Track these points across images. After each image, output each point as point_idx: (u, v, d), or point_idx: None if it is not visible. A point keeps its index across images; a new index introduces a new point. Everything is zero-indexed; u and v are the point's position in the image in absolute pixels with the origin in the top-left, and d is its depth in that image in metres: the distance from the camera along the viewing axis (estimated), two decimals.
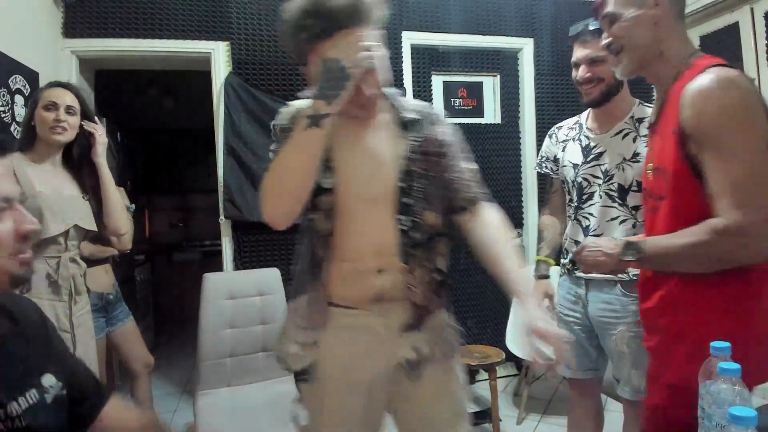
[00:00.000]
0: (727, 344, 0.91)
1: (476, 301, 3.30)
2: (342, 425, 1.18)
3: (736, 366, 0.86)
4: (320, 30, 1.03)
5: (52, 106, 1.70)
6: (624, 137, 1.57)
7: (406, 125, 1.16)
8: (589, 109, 1.68)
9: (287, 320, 1.23)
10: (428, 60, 3.26)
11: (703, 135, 1.02)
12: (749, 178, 0.98)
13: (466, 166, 1.21)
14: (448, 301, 1.23)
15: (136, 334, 2.32)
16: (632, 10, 1.14)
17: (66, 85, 1.80)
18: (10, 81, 2.12)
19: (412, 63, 3.20)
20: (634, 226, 1.54)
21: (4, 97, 2.06)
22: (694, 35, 3.19)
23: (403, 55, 3.15)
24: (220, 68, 2.87)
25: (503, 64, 3.41)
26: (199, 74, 3.08)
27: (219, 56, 2.87)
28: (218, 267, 2.86)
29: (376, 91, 1.10)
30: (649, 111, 1.55)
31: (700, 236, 1.02)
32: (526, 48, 3.39)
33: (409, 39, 3.17)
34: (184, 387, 3.43)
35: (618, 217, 1.56)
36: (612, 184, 1.57)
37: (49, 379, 0.88)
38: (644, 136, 1.51)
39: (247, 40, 2.88)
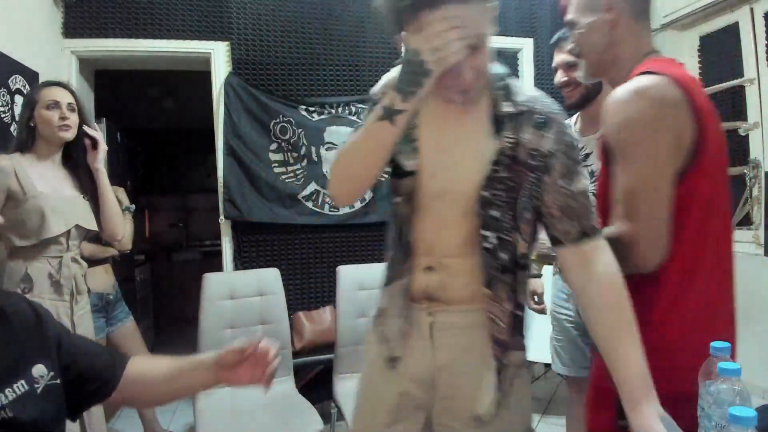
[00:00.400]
0: (726, 344, 0.91)
1: None
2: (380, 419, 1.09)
3: (736, 366, 0.86)
4: (409, 5, 0.84)
5: (55, 105, 1.71)
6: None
7: (502, 121, 0.96)
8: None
9: (376, 309, 1.15)
10: None
11: (611, 145, 1.05)
12: (636, 190, 1.00)
13: (568, 187, 0.95)
14: (523, 344, 1.06)
15: (135, 335, 2.32)
16: (587, 16, 1.14)
17: (61, 84, 1.81)
18: (10, 81, 2.11)
19: None
20: None
21: (4, 97, 2.06)
22: (694, 35, 3.19)
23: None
24: (220, 68, 2.87)
25: (503, 63, 3.39)
26: (199, 74, 3.08)
27: (219, 56, 2.86)
28: (218, 267, 2.87)
29: (475, 76, 0.92)
30: None
31: None
32: (525, 48, 3.39)
33: None
34: None
35: None
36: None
37: (39, 370, 0.88)
38: None
39: (247, 40, 2.88)
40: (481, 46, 0.89)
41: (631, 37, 1.13)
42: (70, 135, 1.74)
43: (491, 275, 0.98)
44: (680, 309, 1.03)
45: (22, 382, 0.85)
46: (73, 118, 1.75)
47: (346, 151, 0.99)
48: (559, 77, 1.67)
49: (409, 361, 1.07)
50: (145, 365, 1.04)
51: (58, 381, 0.91)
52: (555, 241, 0.98)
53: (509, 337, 1.01)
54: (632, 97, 1.00)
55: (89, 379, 0.96)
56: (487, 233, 0.97)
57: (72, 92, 1.79)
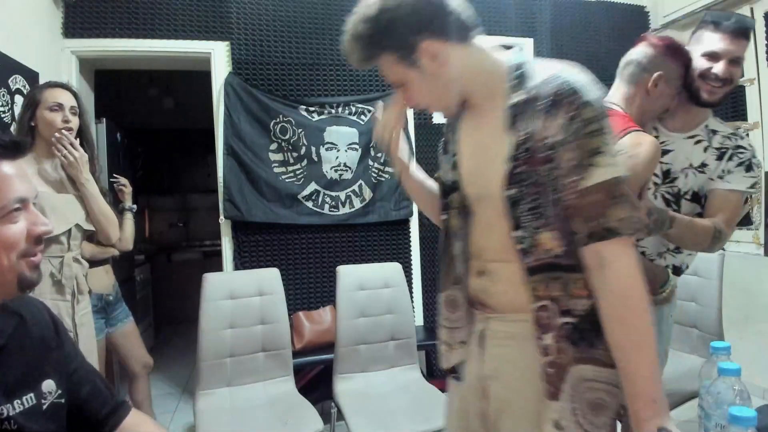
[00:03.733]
0: (727, 344, 0.91)
1: None
2: None
3: (736, 366, 0.86)
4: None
5: (58, 108, 1.71)
6: (696, 143, 1.49)
7: (515, 113, 0.91)
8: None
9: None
10: None
11: None
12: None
13: (575, 183, 0.85)
14: (593, 357, 0.90)
15: (135, 335, 2.32)
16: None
17: (65, 86, 1.81)
18: (10, 81, 2.11)
19: None
20: None
21: (4, 97, 2.06)
22: None
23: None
24: (220, 68, 2.86)
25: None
26: (199, 74, 3.08)
27: (219, 56, 2.86)
28: (218, 267, 2.87)
29: (421, 102, 0.99)
30: (721, 126, 1.51)
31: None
32: (526, 48, 3.38)
33: None
34: (183, 387, 3.43)
35: None
36: (673, 187, 1.50)
37: (48, 385, 0.87)
38: (716, 148, 1.47)
39: (247, 40, 2.88)
40: (404, 83, 0.96)
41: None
42: (71, 138, 1.74)
43: (527, 281, 0.92)
44: None
45: (32, 395, 0.84)
46: (75, 122, 1.75)
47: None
48: (722, 68, 1.38)
49: (466, 368, 1.06)
50: (142, 428, 1.01)
51: (63, 401, 0.89)
52: (577, 241, 0.88)
53: (560, 353, 0.89)
54: None
55: (86, 413, 0.94)
56: (518, 233, 0.91)
57: (75, 95, 1.79)
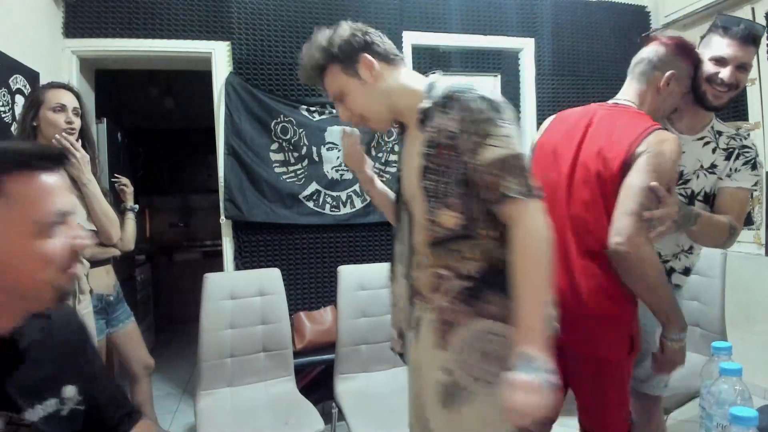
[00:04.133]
0: (728, 344, 0.91)
1: None
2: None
3: (737, 366, 0.86)
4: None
5: (61, 109, 1.72)
6: (705, 145, 1.51)
7: (423, 118, 1.11)
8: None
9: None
10: (429, 60, 3.26)
11: None
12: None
13: (476, 162, 1.03)
14: (489, 312, 1.07)
15: (136, 336, 2.31)
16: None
17: (68, 87, 1.81)
18: (10, 81, 2.11)
19: (413, 63, 3.19)
20: None
21: (4, 97, 2.06)
22: (695, 35, 3.18)
23: (403, 55, 3.15)
24: (221, 68, 2.86)
25: (504, 64, 3.41)
26: (199, 74, 3.08)
27: (219, 56, 2.86)
28: (219, 267, 2.86)
29: (353, 116, 1.21)
30: (724, 126, 1.53)
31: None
32: (527, 48, 3.38)
33: (410, 39, 3.16)
34: (184, 387, 3.43)
35: None
36: (686, 189, 1.52)
37: (69, 391, 0.86)
38: (724, 149, 1.49)
39: (248, 40, 2.88)
40: (345, 95, 1.18)
41: None
42: (72, 139, 1.74)
43: (430, 255, 1.10)
44: None
45: (54, 400, 0.83)
46: (78, 123, 1.76)
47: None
48: (729, 74, 1.39)
49: (409, 353, 1.25)
50: None
51: (82, 408, 0.88)
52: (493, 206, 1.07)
53: (454, 314, 1.08)
54: None
55: (102, 420, 0.94)
56: (427, 219, 1.10)
57: (77, 96, 1.80)
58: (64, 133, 1.72)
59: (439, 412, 1.11)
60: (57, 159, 0.81)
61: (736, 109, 3.03)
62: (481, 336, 1.06)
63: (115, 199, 2.24)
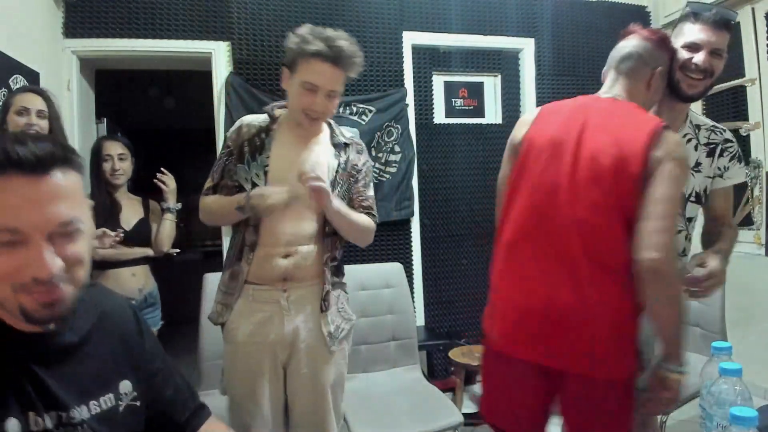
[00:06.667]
0: (728, 344, 0.91)
1: (480, 301, 3.29)
2: (249, 379, 1.46)
3: (737, 366, 0.86)
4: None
5: (24, 111, 1.73)
6: (687, 142, 1.44)
7: (338, 146, 1.54)
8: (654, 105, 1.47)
9: (217, 287, 1.59)
10: (429, 60, 3.26)
11: None
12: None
13: (365, 192, 1.57)
14: (342, 280, 1.60)
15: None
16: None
17: (37, 91, 1.82)
18: (10, 81, 2.12)
19: (413, 63, 3.20)
20: (686, 238, 1.47)
21: (4, 97, 2.06)
22: None
23: (403, 55, 3.15)
24: (221, 68, 2.87)
25: (504, 64, 3.41)
26: (199, 74, 3.08)
27: (220, 56, 2.87)
28: (219, 267, 2.84)
29: (327, 115, 1.48)
30: (701, 118, 1.50)
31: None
32: (527, 48, 3.39)
33: (410, 39, 3.17)
34: None
35: (676, 226, 1.41)
36: None
37: (125, 386, 0.82)
38: (705, 144, 1.45)
39: (248, 40, 2.88)
40: (335, 95, 1.45)
41: None
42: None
43: (322, 240, 1.50)
44: None
45: (111, 396, 0.79)
46: (42, 124, 1.76)
47: (206, 207, 1.57)
48: (703, 58, 1.35)
49: (269, 330, 1.46)
50: None
51: (138, 403, 0.84)
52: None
53: (331, 283, 1.53)
54: None
55: (169, 416, 0.90)
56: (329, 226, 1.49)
57: (46, 99, 1.79)
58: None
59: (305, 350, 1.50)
60: (34, 165, 0.66)
61: (736, 109, 3.03)
62: (341, 297, 1.59)
63: (155, 198, 2.21)
